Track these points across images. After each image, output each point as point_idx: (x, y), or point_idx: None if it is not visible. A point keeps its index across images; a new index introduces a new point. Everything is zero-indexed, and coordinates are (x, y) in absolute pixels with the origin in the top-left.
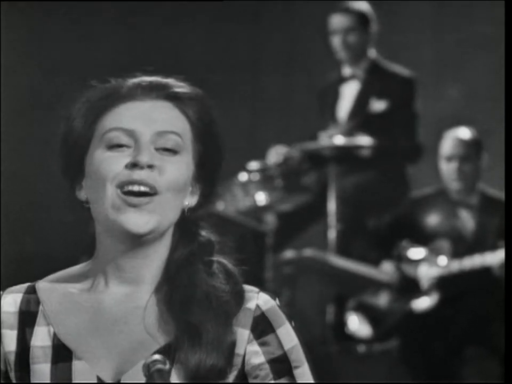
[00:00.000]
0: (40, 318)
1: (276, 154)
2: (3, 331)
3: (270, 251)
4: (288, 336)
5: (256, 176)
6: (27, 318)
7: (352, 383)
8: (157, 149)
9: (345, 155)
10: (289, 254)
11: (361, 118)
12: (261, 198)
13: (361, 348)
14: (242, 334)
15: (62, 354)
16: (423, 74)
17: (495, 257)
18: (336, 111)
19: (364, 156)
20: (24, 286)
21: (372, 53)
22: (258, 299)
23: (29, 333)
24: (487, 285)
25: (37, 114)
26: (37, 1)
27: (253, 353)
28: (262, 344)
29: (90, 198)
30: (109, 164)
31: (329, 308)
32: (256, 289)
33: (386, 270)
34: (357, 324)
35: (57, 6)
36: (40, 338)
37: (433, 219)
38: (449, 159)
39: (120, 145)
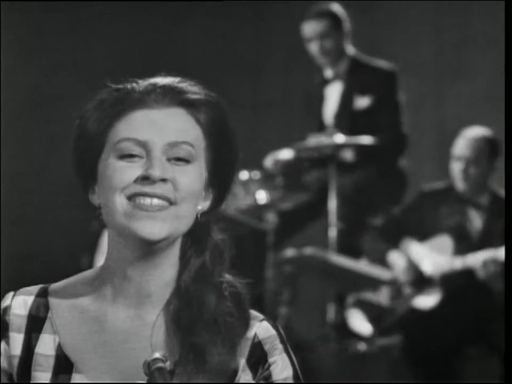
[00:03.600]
0: (47, 325)
1: (273, 161)
2: (11, 334)
3: (271, 249)
4: (282, 366)
5: (256, 175)
6: (35, 323)
7: (352, 383)
8: (168, 159)
9: (344, 154)
10: (289, 252)
11: (346, 117)
12: (262, 196)
13: (362, 346)
14: (240, 361)
15: (63, 365)
16: (423, 74)
17: (476, 259)
18: (322, 114)
19: (358, 155)
20: (37, 287)
21: (351, 50)
22: (258, 327)
23: (34, 339)
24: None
25: (37, 114)
26: (37, 1)
27: (244, 381)
28: (254, 374)
29: (102, 204)
30: (120, 174)
31: (330, 306)
32: (261, 316)
33: (393, 260)
34: (357, 321)
35: (57, 6)
36: (44, 346)
37: (441, 215)
38: (458, 159)
39: (132, 155)
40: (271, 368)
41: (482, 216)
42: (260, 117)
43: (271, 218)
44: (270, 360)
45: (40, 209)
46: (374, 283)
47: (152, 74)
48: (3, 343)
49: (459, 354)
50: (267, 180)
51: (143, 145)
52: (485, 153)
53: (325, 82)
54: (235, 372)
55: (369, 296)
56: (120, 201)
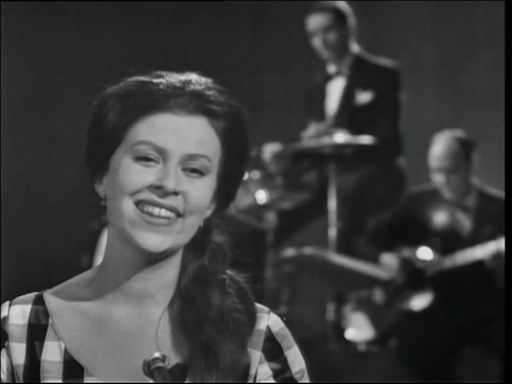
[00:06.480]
0: (50, 332)
1: (270, 152)
2: (12, 344)
3: (270, 249)
4: (296, 359)
5: (256, 175)
6: (36, 331)
7: (352, 382)
8: (183, 169)
9: (344, 153)
10: (289, 252)
11: (348, 111)
12: (261, 196)
13: (362, 346)
14: (255, 355)
15: (73, 370)
16: (423, 74)
17: (486, 250)
18: (324, 109)
19: (357, 154)
20: (32, 295)
21: (355, 48)
22: (269, 320)
23: (38, 347)
24: (482, 280)
25: (37, 114)
26: (37, 1)
27: (263, 374)
28: (272, 366)
29: (108, 201)
30: (133, 178)
31: (329, 306)
32: (266, 309)
33: (386, 261)
34: (355, 331)
35: (57, 6)
36: (51, 353)
37: (430, 217)
38: (438, 170)
39: (147, 159)
40: (288, 361)
41: (471, 218)
42: (260, 117)
43: (271, 218)
44: (286, 353)
45: (40, 209)
46: (373, 283)
47: (149, 72)
48: (3, 354)
49: (457, 353)
50: (267, 180)
51: (161, 152)
52: (462, 158)
53: (328, 78)
54: (248, 366)
55: (366, 299)
56: (127, 206)
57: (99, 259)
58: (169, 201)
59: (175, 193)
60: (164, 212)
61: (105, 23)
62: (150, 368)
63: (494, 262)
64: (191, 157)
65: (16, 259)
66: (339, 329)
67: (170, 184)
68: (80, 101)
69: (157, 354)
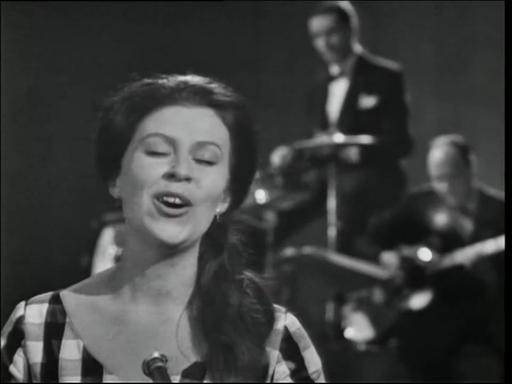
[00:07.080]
0: (67, 331)
1: (280, 156)
2: (28, 343)
3: (270, 249)
4: (312, 359)
5: (256, 174)
6: (53, 330)
7: (352, 383)
8: (195, 159)
9: (344, 154)
10: (289, 251)
11: (350, 115)
12: (261, 196)
13: (362, 346)
14: (272, 354)
15: (92, 368)
16: (423, 74)
17: (467, 255)
18: (326, 110)
19: (361, 154)
20: (48, 295)
21: (358, 48)
22: (286, 320)
23: (56, 345)
24: (481, 280)
25: (37, 114)
26: (37, 1)
27: (281, 373)
28: (289, 365)
29: (124, 199)
30: (148, 171)
31: (329, 306)
32: (283, 309)
33: (386, 260)
34: (355, 331)
35: (57, 6)
36: (69, 351)
37: (430, 217)
38: (440, 178)
39: (159, 153)
40: (305, 361)
41: (472, 219)
42: (260, 117)
43: (271, 217)
44: (303, 353)
45: (40, 209)
46: (373, 282)
47: (152, 75)
48: (19, 353)
49: (457, 353)
50: (266, 179)
51: (172, 142)
52: (462, 162)
53: (330, 78)
54: (266, 366)
55: (366, 299)
56: (145, 200)
57: (99, 259)
58: (182, 188)
59: (188, 179)
60: (178, 200)
61: (105, 23)
62: (149, 368)
63: (476, 267)
64: (201, 145)
65: (16, 259)
66: (339, 329)
67: (182, 171)
68: (80, 100)
69: (156, 354)
